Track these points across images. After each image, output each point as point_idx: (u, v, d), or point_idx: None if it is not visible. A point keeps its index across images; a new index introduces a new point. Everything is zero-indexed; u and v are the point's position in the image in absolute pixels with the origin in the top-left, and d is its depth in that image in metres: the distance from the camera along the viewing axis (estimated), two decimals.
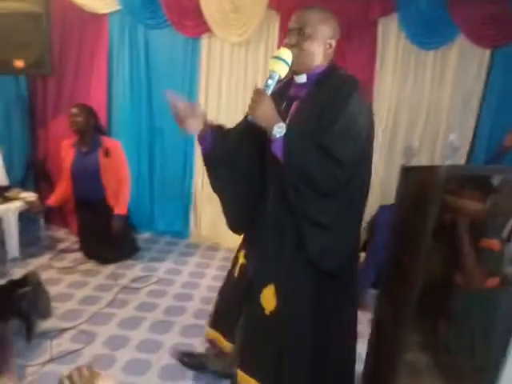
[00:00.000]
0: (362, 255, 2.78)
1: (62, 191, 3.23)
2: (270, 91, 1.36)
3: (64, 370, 1.95)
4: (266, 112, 1.35)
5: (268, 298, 1.56)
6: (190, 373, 2.04)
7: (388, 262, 1.46)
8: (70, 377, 0.82)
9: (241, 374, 1.65)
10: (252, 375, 1.61)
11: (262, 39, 3.49)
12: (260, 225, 1.61)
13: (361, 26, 3.35)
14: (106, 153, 3.12)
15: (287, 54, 1.38)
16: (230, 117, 3.56)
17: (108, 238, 3.14)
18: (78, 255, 3.26)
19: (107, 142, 3.18)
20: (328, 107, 1.38)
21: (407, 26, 3.29)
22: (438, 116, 3.41)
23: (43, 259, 3.15)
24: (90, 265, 3.13)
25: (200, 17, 3.43)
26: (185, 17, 3.48)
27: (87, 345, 2.18)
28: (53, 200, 3.21)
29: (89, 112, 3.13)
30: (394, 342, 1.29)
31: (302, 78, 1.50)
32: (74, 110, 3.06)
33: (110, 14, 3.53)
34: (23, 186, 3.45)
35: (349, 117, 1.34)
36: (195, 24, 3.48)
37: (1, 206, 2.97)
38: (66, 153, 3.19)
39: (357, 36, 3.36)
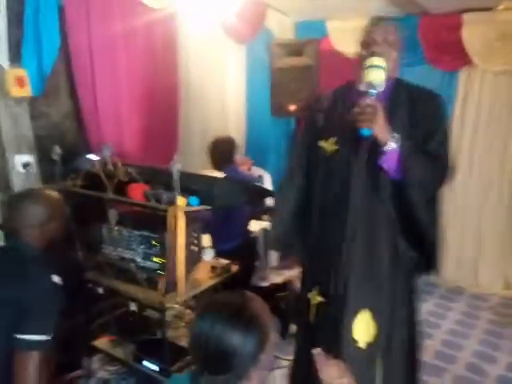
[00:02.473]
0: None
1: None
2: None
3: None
4: (383, 123, 1.30)
5: (362, 328, 1.43)
6: None
7: None
8: None
9: None
10: None
11: None
12: (337, 251, 1.48)
13: None
14: None
15: (383, 61, 1.32)
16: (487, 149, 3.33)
17: None
18: None
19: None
20: (421, 116, 1.43)
21: None
22: None
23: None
24: None
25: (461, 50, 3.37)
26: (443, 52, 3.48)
27: None
28: None
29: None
30: None
31: (381, 87, 1.32)
32: None
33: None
34: None
35: (445, 125, 1.46)
36: (453, 58, 3.44)
37: (268, 222, 3.62)
38: None
39: None
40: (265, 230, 3.28)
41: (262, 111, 3.92)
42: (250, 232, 2.79)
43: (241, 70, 3.83)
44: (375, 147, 1.34)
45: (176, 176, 1.58)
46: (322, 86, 4.04)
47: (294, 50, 3.71)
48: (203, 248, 2.06)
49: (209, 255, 2.09)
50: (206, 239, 2.22)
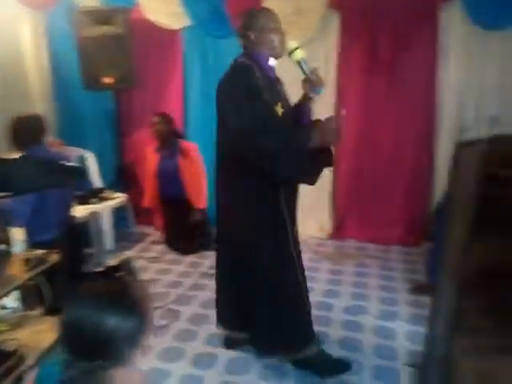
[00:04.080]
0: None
1: (151, 193, 3.65)
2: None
3: (153, 343, 2.27)
4: None
5: None
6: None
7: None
8: None
9: None
10: None
11: (322, 39, 3.62)
12: None
13: (422, 13, 3.34)
14: (184, 154, 3.49)
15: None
16: None
17: (188, 232, 3.51)
18: (163, 247, 3.65)
19: (184, 144, 3.55)
20: None
21: (471, 9, 3.21)
22: (507, 99, 3.27)
23: (134, 251, 3.58)
24: (173, 255, 3.50)
25: None
26: None
27: (174, 321, 2.49)
28: (147, 202, 3.67)
29: (167, 120, 3.52)
30: None
31: (274, 62, 1.89)
32: (155, 119, 3.46)
33: (183, 29, 3.88)
34: (114, 188, 3.92)
35: None
36: None
37: (98, 205, 3.43)
38: (151, 158, 3.60)
39: (419, 24, 3.36)
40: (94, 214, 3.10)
41: (72, 86, 3.60)
42: (73, 218, 2.58)
43: (41, 41, 3.41)
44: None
45: None
46: (137, 57, 3.91)
47: (102, 18, 3.47)
48: (12, 242, 1.84)
49: (19, 248, 1.87)
50: (18, 232, 1.97)
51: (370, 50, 3.49)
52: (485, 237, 1.17)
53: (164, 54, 4.01)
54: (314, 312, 2.16)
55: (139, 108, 4.19)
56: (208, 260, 3.40)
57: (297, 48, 1.75)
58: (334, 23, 3.55)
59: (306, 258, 3.42)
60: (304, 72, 1.78)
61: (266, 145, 1.64)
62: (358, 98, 3.65)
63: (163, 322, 2.46)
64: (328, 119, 1.70)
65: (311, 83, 1.80)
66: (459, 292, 1.25)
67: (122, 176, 4.16)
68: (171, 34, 3.89)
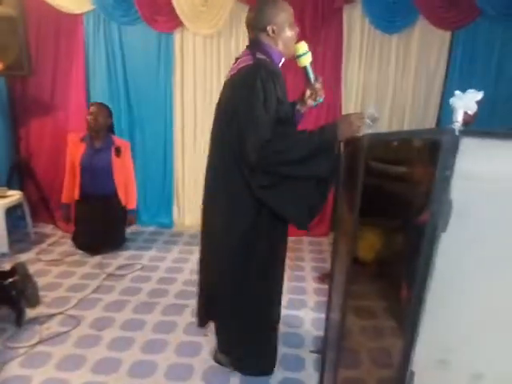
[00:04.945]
0: None
1: (72, 186, 3.34)
2: None
3: (53, 350, 2.10)
4: None
5: None
6: (169, 347, 2.19)
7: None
8: None
9: None
10: None
11: (233, 31, 3.62)
12: None
13: (326, 14, 3.48)
14: (118, 152, 3.32)
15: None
16: (205, 107, 3.71)
17: (105, 230, 3.31)
18: (66, 248, 3.39)
19: (118, 141, 3.39)
20: None
21: (370, 12, 3.43)
22: (403, 98, 3.56)
23: (31, 254, 3.28)
24: (78, 256, 3.26)
25: (172, 12, 3.54)
26: (157, 12, 3.59)
27: (75, 327, 2.31)
28: (67, 197, 3.38)
29: (108, 113, 3.32)
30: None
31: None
32: (94, 109, 3.22)
33: (85, 13, 3.62)
34: (9, 184, 3.56)
35: None
36: (167, 19, 3.59)
37: None
38: (75, 147, 3.30)
39: (323, 24, 3.50)
40: None
41: None
42: None
43: None
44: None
45: None
46: (33, 42, 3.59)
47: None
48: None
49: None
50: None
51: None
52: (368, 224, 1.25)
53: (64, 40, 3.72)
54: None
55: (37, 97, 3.84)
56: (116, 260, 3.23)
57: (306, 52, 1.65)
58: (244, 16, 3.56)
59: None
60: (309, 78, 1.71)
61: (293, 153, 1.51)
62: None
63: (64, 330, 2.28)
64: (356, 114, 1.54)
65: (313, 91, 1.74)
66: (349, 276, 1.32)
67: (18, 172, 3.79)
68: (72, 18, 3.62)
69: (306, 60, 1.65)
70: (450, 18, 3.36)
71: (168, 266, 3.18)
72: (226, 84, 1.71)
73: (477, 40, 3.40)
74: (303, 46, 1.64)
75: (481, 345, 0.99)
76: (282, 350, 2.17)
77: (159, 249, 3.50)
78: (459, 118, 0.84)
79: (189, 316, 2.47)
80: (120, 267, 3.11)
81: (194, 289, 2.74)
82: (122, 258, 3.30)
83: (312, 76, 1.70)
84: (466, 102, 0.83)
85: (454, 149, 0.87)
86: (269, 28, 1.62)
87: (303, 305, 2.66)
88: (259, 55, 1.62)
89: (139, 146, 3.91)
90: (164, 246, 3.56)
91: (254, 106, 1.52)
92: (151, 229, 3.94)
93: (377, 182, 1.22)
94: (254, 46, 1.66)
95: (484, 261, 0.95)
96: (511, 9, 3.25)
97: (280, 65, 1.73)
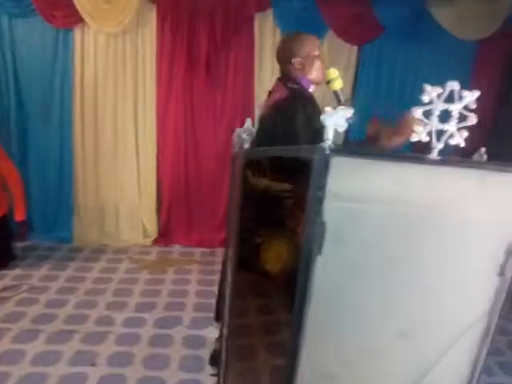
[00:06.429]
0: None
1: None
2: None
3: None
4: None
5: None
6: (50, 381, 1.92)
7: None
8: None
9: None
10: None
11: (140, 30, 3.41)
12: None
13: (239, 21, 3.42)
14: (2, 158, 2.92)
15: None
16: (107, 108, 3.46)
17: None
18: None
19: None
20: None
21: (281, 22, 3.43)
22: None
23: None
24: None
25: (71, 7, 3.24)
26: (53, 6, 3.26)
27: None
28: None
29: None
30: None
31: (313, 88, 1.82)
32: None
33: None
34: None
35: None
36: (65, 14, 3.28)
37: None
38: None
39: (236, 30, 3.43)
40: None
41: None
42: None
43: None
44: None
45: None
46: None
47: None
48: None
49: None
50: None
51: (189, 49, 3.42)
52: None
53: None
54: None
55: None
56: (1, 280, 2.85)
57: (337, 77, 1.72)
58: (152, 16, 3.38)
59: (123, 268, 3.20)
60: (339, 101, 1.74)
61: None
62: (180, 96, 3.55)
63: None
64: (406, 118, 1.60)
65: None
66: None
67: None
68: None
69: (338, 85, 1.74)
70: (355, 33, 3.47)
71: (60, 286, 2.85)
72: (263, 117, 1.81)
73: (381, 55, 3.55)
74: (333, 73, 1.73)
75: (359, 369, 0.96)
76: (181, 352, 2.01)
77: (52, 267, 3.14)
78: (330, 135, 0.77)
79: (77, 344, 2.21)
80: (4, 289, 2.74)
81: (87, 311, 2.50)
82: (7, 278, 2.91)
83: (342, 98, 1.76)
84: (335, 120, 0.76)
85: (325, 168, 0.80)
86: (293, 61, 1.74)
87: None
88: (290, 85, 1.74)
89: (32, 151, 3.51)
90: (58, 264, 3.20)
91: (298, 130, 1.59)
92: (47, 243, 3.54)
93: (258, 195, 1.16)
94: (285, 76, 1.80)
95: (357, 286, 0.90)
96: (411, 27, 3.45)
97: (311, 90, 1.81)
